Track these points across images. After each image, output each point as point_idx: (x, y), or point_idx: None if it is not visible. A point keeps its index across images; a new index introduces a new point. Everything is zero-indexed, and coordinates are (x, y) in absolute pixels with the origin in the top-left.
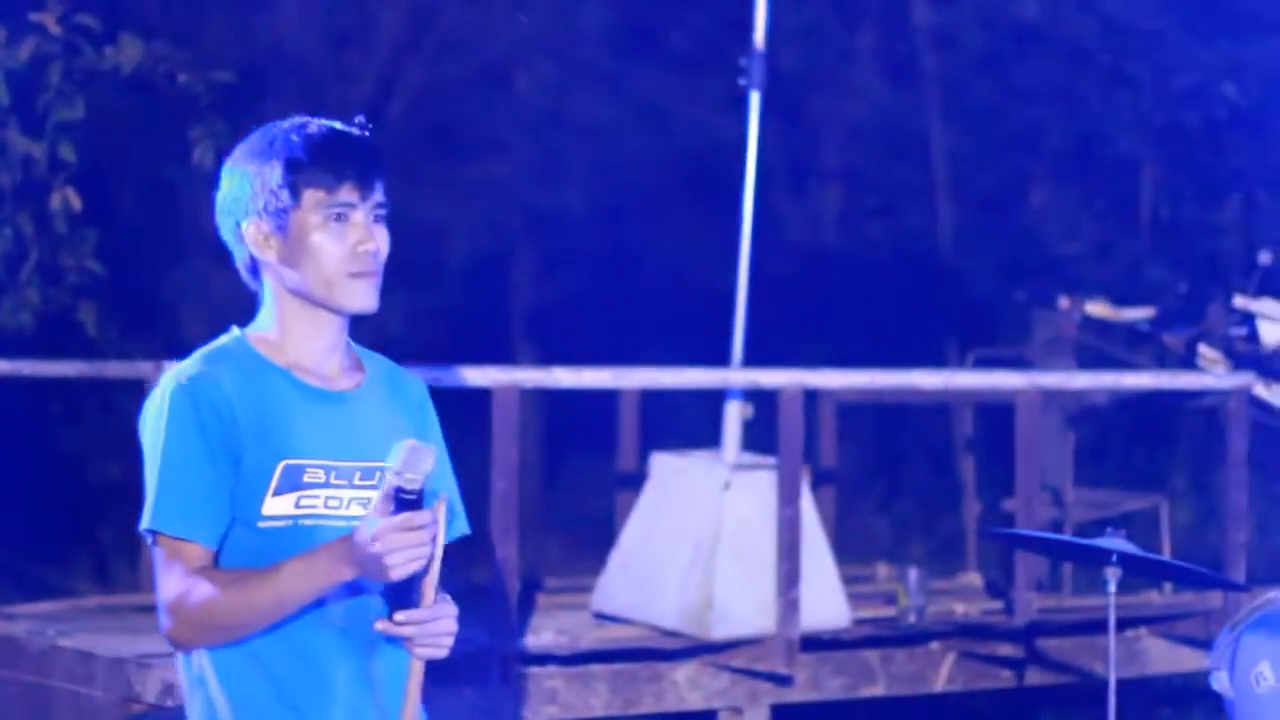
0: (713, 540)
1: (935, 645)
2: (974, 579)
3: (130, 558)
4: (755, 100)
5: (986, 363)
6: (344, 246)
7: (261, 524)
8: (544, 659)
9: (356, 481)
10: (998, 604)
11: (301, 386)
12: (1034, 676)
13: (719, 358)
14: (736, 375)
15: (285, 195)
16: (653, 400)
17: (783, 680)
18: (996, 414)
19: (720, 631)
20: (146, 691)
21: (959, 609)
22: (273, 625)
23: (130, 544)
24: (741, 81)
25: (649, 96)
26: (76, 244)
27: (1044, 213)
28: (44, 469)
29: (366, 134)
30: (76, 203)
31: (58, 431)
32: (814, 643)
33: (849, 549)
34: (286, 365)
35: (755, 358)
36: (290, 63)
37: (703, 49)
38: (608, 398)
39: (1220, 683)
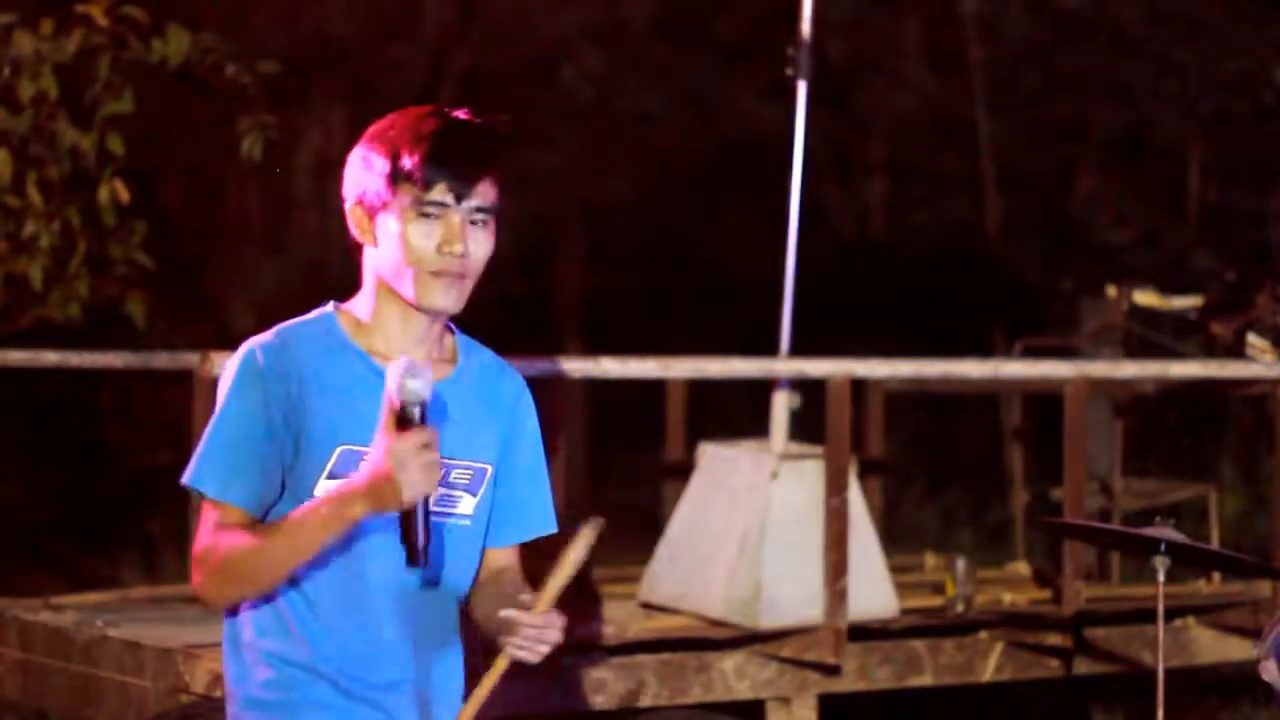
0: (760, 530)
1: (983, 635)
2: (1022, 568)
3: (178, 548)
4: (802, 91)
5: (1034, 352)
6: (429, 244)
7: None
8: (591, 649)
9: None
10: (1046, 593)
11: (377, 371)
12: (1082, 666)
13: (766, 347)
14: (783, 365)
15: (383, 186)
16: (700, 390)
17: (830, 670)
18: (1044, 403)
19: (768, 621)
20: (195, 681)
21: (1007, 598)
22: (316, 594)
23: (178, 535)
24: (788, 72)
25: (695, 87)
26: (125, 236)
27: (1091, 201)
28: (92, 460)
29: (492, 132)
30: (125, 195)
31: (106, 422)
32: (862, 632)
33: (897, 538)
34: (367, 349)
35: (802, 347)
36: (337, 54)
37: (749, 40)
38: (654, 387)
39: (1268, 672)
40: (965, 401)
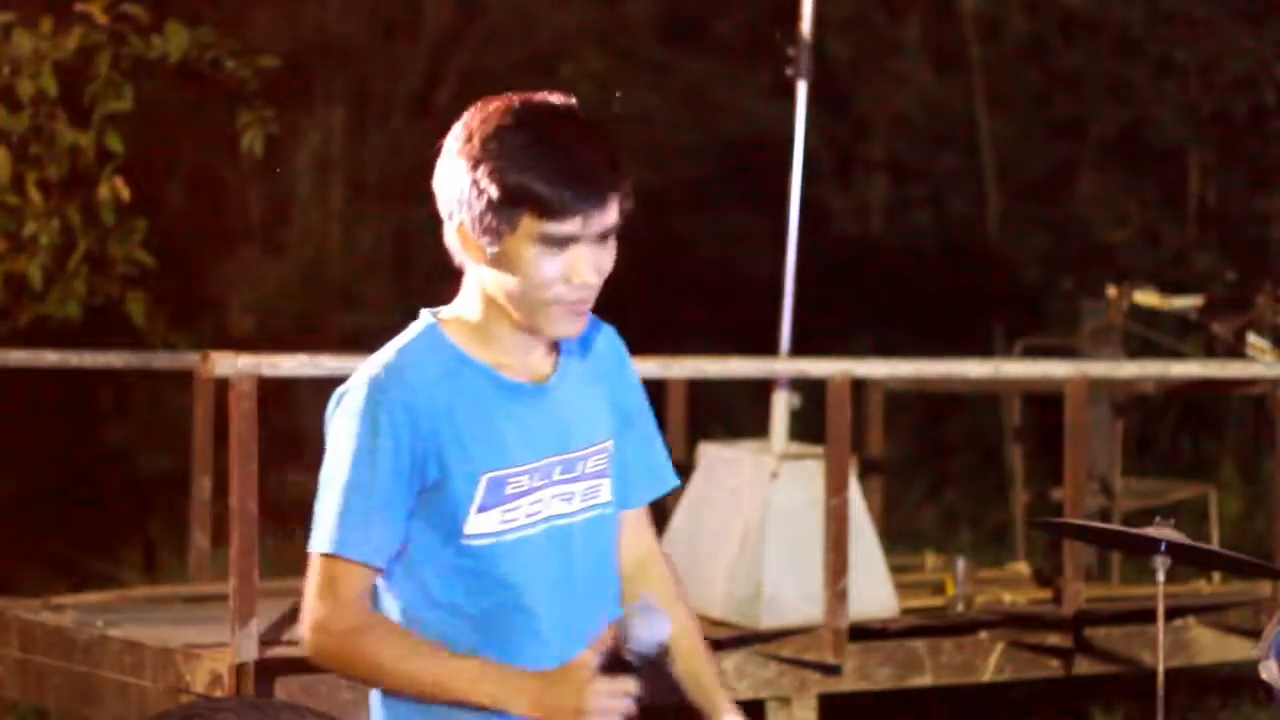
0: (760, 530)
1: (983, 635)
2: (1022, 568)
3: (178, 548)
4: (802, 90)
5: (1034, 352)
6: (557, 276)
7: (465, 541)
8: None
9: (556, 477)
10: (1046, 593)
11: (503, 385)
12: (1082, 666)
13: (766, 347)
14: (783, 364)
15: (498, 216)
16: (700, 390)
17: (831, 670)
18: (1044, 403)
19: (768, 621)
20: (195, 681)
21: (1007, 598)
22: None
23: (178, 534)
24: (789, 71)
25: (696, 86)
26: (124, 234)
27: (1091, 201)
28: (92, 460)
29: (602, 137)
30: (125, 193)
31: (105, 422)
32: (862, 632)
33: (897, 538)
34: (487, 361)
35: (802, 347)
36: (338, 50)
37: (749, 39)
38: (654, 387)
39: (1269, 672)
40: (965, 401)
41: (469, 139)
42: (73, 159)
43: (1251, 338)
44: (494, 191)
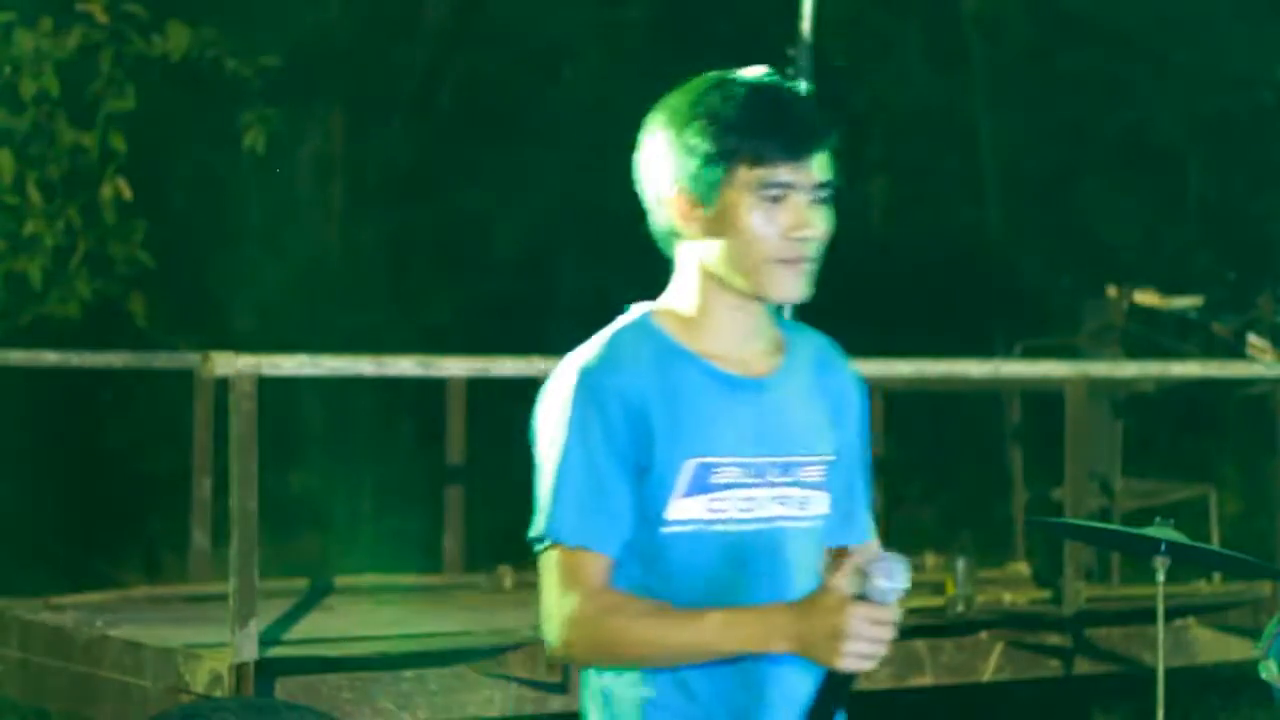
0: None
1: (983, 635)
2: (1022, 568)
3: (178, 548)
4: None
5: (1034, 352)
6: (775, 229)
7: (665, 528)
8: None
9: (773, 479)
10: (1046, 593)
11: (716, 375)
12: (1082, 666)
13: None
14: None
15: (713, 170)
16: None
17: None
18: (1044, 403)
19: None
20: (195, 681)
21: (1007, 598)
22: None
23: (178, 534)
24: (789, 72)
25: None
26: (125, 234)
27: (1092, 202)
28: (92, 459)
29: (810, 95)
30: (127, 193)
31: (106, 422)
32: None
33: (897, 538)
34: (700, 351)
35: None
36: (338, 50)
37: (749, 39)
38: None
39: (1269, 672)
40: (965, 401)
41: (669, 113)
42: (74, 159)
43: (1252, 337)
44: (707, 146)
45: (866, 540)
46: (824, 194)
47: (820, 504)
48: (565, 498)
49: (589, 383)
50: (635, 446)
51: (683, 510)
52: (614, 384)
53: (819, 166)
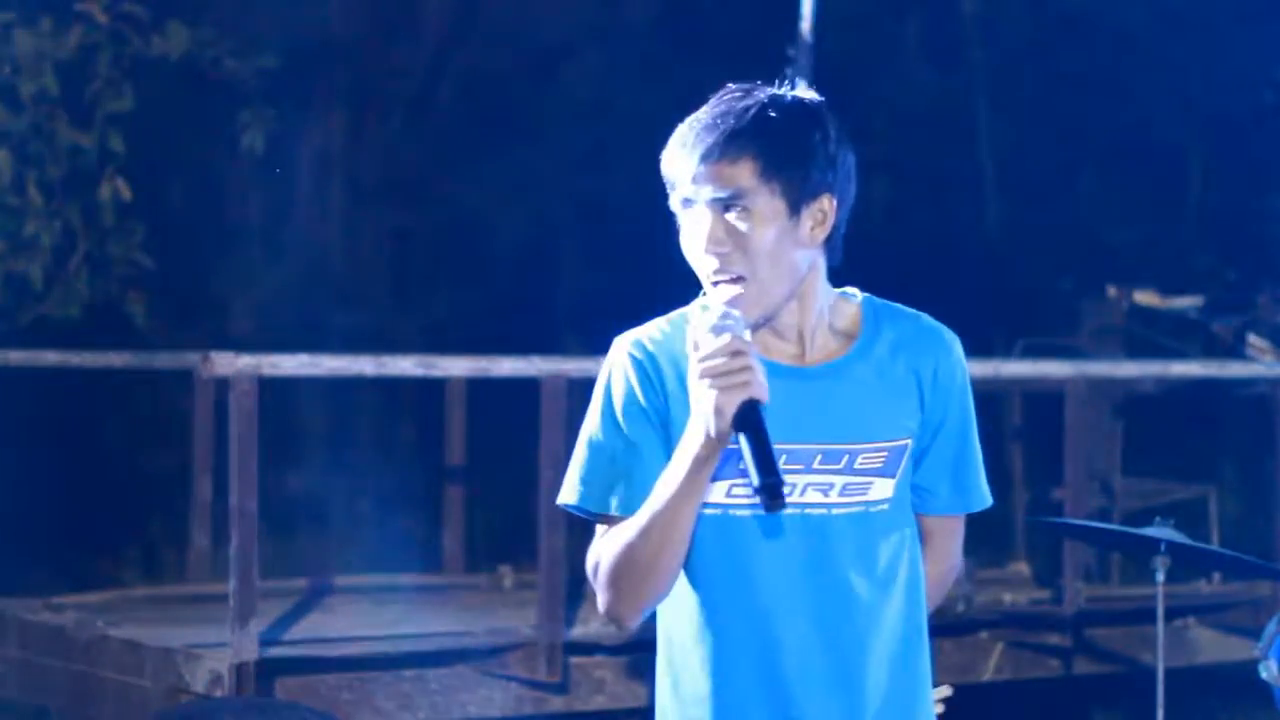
0: None
1: (984, 634)
2: (1022, 568)
3: (178, 548)
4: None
5: (1034, 351)
6: (685, 241)
7: None
8: (592, 649)
9: (815, 465)
10: (1046, 593)
11: (760, 362)
12: (1082, 665)
13: None
14: None
15: (671, 197)
16: None
17: None
18: (1044, 403)
19: None
20: (194, 681)
21: (1007, 598)
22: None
23: (178, 535)
24: (789, 71)
25: (695, 86)
26: (125, 235)
27: (1091, 201)
28: (92, 460)
29: (748, 111)
30: (127, 193)
31: (106, 422)
32: None
33: None
34: (754, 340)
35: None
36: (338, 50)
37: (750, 39)
38: None
39: (1268, 671)
40: None
41: None
42: (73, 160)
43: (1252, 337)
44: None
45: (985, 505)
46: (738, 203)
47: (881, 489)
48: (590, 465)
49: (627, 353)
50: (661, 417)
51: (707, 493)
52: (648, 356)
53: (715, 179)
